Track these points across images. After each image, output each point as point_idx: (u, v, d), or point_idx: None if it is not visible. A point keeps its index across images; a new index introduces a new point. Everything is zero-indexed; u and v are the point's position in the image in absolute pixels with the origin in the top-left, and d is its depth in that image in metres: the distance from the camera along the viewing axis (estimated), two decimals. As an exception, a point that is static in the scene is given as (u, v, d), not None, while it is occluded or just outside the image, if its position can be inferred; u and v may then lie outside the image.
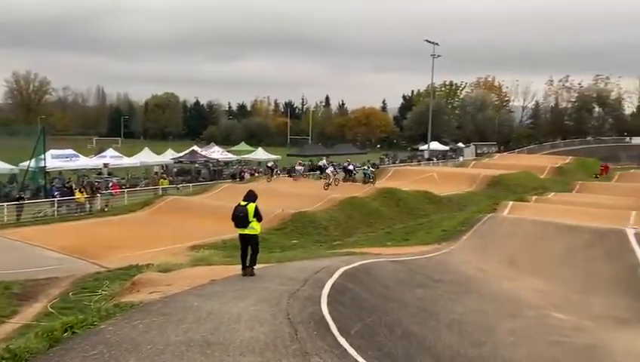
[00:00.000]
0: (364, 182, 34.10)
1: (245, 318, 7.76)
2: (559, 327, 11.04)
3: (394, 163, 61.07)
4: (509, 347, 9.66)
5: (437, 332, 9.76)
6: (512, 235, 17.45)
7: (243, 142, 72.28)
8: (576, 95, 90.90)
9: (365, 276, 11.83)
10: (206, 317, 7.72)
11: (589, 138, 79.55)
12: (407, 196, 29.06)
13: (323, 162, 40.39)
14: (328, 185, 31.48)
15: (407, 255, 15.81)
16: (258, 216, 10.68)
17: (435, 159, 65.55)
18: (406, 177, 40.46)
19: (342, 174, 35.86)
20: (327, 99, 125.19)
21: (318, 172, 40.16)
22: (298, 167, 39.53)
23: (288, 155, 60.74)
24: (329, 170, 33.91)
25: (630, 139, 74.97)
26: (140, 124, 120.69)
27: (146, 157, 49.93)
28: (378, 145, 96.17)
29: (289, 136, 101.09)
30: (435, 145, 75.35)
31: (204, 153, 50.80)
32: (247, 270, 10.78)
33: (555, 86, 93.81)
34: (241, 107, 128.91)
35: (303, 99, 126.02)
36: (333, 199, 26.26)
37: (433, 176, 40.99)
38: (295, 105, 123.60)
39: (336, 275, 10.88)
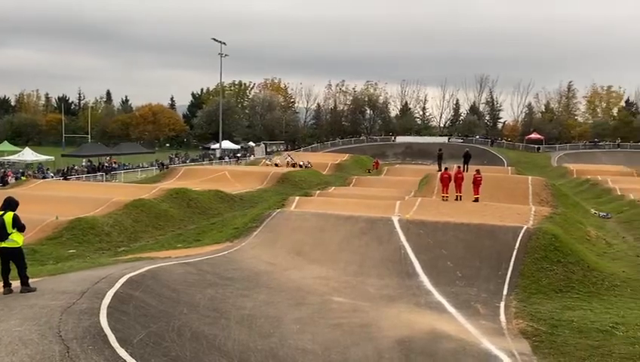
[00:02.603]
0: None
1: (6, 341, 6.76)
2: (339, 310, 11.98)
3: (184, 162, 59.68)
4: (295, 334, 10.15)
5: (227, 330, 9.76)
6: (298, 228, 18.40)
7: (6, 142, 63.32)
8: (351, 98, 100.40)
9: (152, 282, 11.26)
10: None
11: (362, 137, 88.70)
12: (198, 196, 28.59)
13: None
14: None
15: (198, 255, 15.53)
16: (19, 226, 9.36)
17: (226, 158, 65.97)
18: (197, 176, 39.88)
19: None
20: (108, 94, 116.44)
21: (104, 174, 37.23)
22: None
23: (63, 156, 54.89)
24: None
25: (395, 138, 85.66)
26: None
27: None
28: (167, 144, 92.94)
29: (64, 135, 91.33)
30: (226, 144, 75.80)
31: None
32: (22, 288, 9.43)
33: (334, 89, 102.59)
34: (4, 101, 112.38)
35: (80, 93, 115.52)
36: (117, 202, 24.47)
37: (225, 174, 41.14)
38: (71, 101, 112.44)
39: (118, 284, 10.14)
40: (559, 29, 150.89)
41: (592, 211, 29.73)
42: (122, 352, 6.79)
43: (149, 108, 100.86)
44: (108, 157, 53.99)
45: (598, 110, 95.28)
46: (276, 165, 50.47)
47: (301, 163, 52.04)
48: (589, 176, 46.00)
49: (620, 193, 35.64)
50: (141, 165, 52.89)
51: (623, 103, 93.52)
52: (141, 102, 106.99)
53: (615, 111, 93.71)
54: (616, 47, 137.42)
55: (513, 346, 10.32)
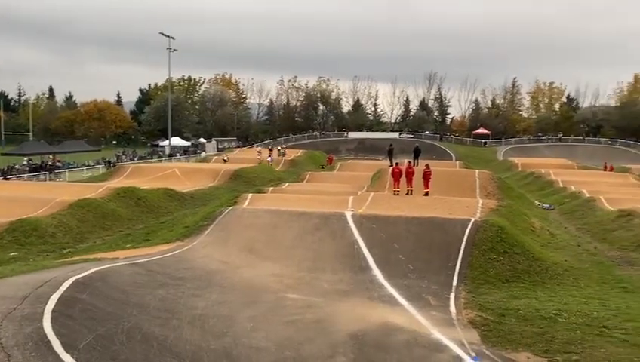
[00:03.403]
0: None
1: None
2: (293, 307, 11.97)
3: (132, 160, 58.07)
4: (248, 333, 10.07)
5: (179, 331, 9.59)
6: (251, 225, 18.24)
7: None
8: (303, 94, 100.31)
9: (100, 283, 10.92)
10: None
11: (315, 133, 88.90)
12: (147, 194, 27.88)
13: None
14: None
15: (148, 256, 15.15)
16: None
17: (177, 155, 64.66)
18: (146, 174, 38.90)
19: None
20: (51, 90, 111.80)
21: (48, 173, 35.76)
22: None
23: (3, 155, 52.40)
24: None
25: (348, 134, 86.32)
26: None
27: None
28: (114, 142, 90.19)
29: (3, 133, 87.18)
30: (176, 141, 74.31)
31: None
32: None
33: (286, 85, 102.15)
34: None
35: (20, 89, 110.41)
36: (61, 202, 23.53)
37: (175, 172, 40.31)
38: (10, 97, 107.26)
39: (63, 287, 9.79)
40: (503, 25, 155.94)
41: (536, 203, 30.93)
42: (67, 358, 6.56)
43: (94, 105, 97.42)
44: (51, 156, 51.82)
45: (541, 105, 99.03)
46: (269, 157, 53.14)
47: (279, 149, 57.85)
48: (533, 170, 47.84)
49: (562, 185, 37.26)
50: (87, 163, 51.09)
51: (564, 99, 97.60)
52: (86, 99, 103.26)
53: (557, 106, 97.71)
54: (558, 44, 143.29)
55: (463, 336, 10.59)
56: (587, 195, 30.26)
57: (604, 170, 52.02)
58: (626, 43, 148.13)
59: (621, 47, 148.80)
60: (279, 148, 60.03)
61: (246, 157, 54.80)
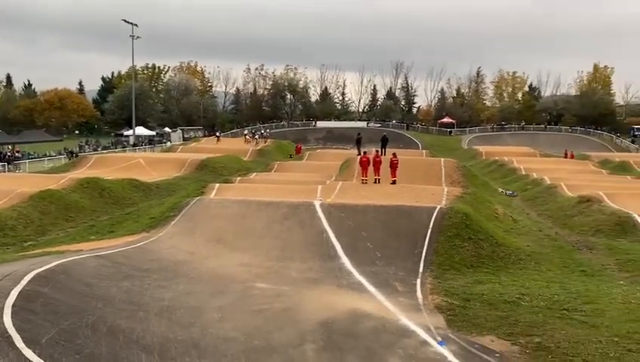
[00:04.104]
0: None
1: None
2: (262, 296, 11.96)
3: (96, 150, 56.69)
4: (216, 323, 10.02)
5: (146, 323, 9.47)
6: (218, 216, 18.09)
7: None
8: (271, 83, 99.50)
9: (63, 277, 10.68)
10: None
11: (283, 122, 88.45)
12: (111, 185, 27.29)
13: None
14: None
15: (113, 247, 14.88)
16: None
17: (141, 145, 63.42)
18: (110, 165, 38.05)
19: None
20: (8, 78, 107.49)
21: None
22: None
23: (-42, 145, 50.39)
24: None
25: (316, 123, 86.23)
26: None
27: None
28: (77, 131, 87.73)
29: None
30: (140, 130, 72.82)
31: None
32: None
33: (253, 73, 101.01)
34: None
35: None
36: (21, 194, 22.81)
37: (140, 162, 39.54)
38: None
39: (24, 281, 9.54)
40: (468, 16, 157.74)
41: (500, 190, 31.63)
42: (29, 353, 6.40)
43: (55, 93, 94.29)
44: (10, 146, 50.12)
45: (505, 95, 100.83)
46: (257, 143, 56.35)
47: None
48: (496, 158, 48.89)
49: (524, 172, 38.20)
50: (48, 154, 49.64)
51: (526, 88, 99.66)
52: (46, 87, 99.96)
53: (520, 95, 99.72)
54: (522, 34, 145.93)
55: (429, 321, 10.79)
56: (548, 182, 31.11)
57: (565, 157, 53.59)
58: (586, 33, 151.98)
59: (581, 37, 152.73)
60: (261, 132, 62.75)
61: (212, 147, 54.03)
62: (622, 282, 13.97)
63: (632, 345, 9.59)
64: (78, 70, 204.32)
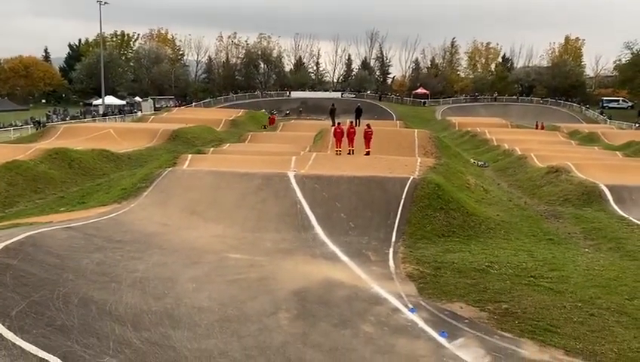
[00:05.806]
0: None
1: None
2: (236, 267, 12.00)
3: (64, 120, 55.18)
4: (190, 294, 10.04)
5: (119, 294, 9.42)
6: (192, 187, 17.92)
7: None
8: (244, 52, 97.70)
9: (32, 249, 10.50)
10: None
11: (257, 92, 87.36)
12: (81, 156, 26.71)
13: None
14: None
15: (83, 219, 14.66)
16: None
17: (111, 114, 62.01)
18: (79, 135, 37.14)
19: None
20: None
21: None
22: None
23: None
24: None
25: (290, 93, 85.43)
26: None
27: None
28: (43, 100, 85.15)
29: None
30: (110, 100, 71.13)
31: None
32: None
33: (225, 42, 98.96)
34: None
35: None
36: (-14, 165, 22.20)
37: (110, 132, 38.71)
38: None
39: (-8, 253, 9.31)
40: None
41: (472, 161, 32.08)
42: (-2, 326, 6.31)
43: (19, 61, 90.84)
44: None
45: (478, 65, 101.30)
46: None
47: None
48: (469, 128, 49.36)
49: (496, 143, 38.76)
50: (14, 123, 48.15)
51: (500, 59, 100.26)
52: (10, 55, 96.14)
53: (493, 66, 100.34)
54: (496, 5, 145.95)
55: (401, 289, 11.02)
56: (519, 153, 31.67)
57: (536, 128, 54.53)
58: (559, 6, 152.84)
59: (555, 10, 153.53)
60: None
61: (185, 117, 53.08)
62: (587, 249, 14.45)
63: (594, 310, 10.00)
64: (43, 37, 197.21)
